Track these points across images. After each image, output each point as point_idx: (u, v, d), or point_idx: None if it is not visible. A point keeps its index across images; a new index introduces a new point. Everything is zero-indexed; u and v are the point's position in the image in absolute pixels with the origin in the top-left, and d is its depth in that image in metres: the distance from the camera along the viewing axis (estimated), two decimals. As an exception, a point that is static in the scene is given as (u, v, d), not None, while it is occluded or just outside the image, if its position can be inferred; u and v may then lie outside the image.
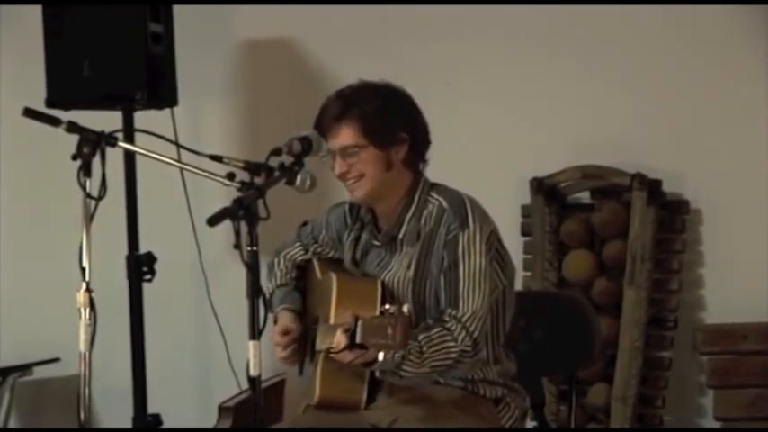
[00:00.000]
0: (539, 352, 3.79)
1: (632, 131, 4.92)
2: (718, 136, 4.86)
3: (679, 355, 4.84)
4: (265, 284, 3.56)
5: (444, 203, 3.30)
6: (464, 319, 3.20)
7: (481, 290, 3.22)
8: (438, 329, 3.19)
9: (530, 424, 3.64)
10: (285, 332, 3.44)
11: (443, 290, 3.24)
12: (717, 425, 4.79)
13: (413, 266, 3.31)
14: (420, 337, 3.14)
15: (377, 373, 3.21)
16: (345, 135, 3.29)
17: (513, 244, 4.57)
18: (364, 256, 3.43)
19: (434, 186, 3.38)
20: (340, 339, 3.02)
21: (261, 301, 3.00)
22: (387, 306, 2.96)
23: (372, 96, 3.30)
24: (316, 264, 3.55)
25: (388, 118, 3.30)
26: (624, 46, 4.93)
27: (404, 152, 3.33)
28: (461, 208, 3.28)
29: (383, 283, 3.32)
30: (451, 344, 3.18)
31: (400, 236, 3.35)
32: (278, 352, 3.46)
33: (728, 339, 4.75)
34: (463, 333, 3.18)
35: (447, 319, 3.21)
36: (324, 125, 3.30)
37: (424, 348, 3.14)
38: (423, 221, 3.32)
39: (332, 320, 3.25)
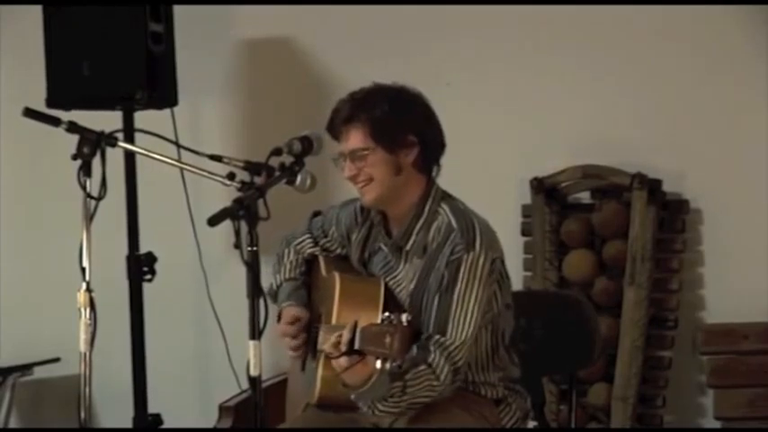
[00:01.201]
0: (539, 352, 3.78)
1: (632, 131, 4.92)
2: (718, 136, 4.86)
3: (679, 354, 4.84)
4: (272, 275, 3.55)
5: (454, 222, 3.25)
6: (451, 348, 3.15)
7: (473, 318, 3.18)
8: (423, 368, 3.13)
9: (530, 424, 3.64)
10: (294, 320, 3.43)
11: (434, 310, 3.20)
12: (717, 424, 4.78)
13: (414, 281, 3.29)
14: (407, 377, 3.09)
15: (352, 396, 3.13)
16: (354, 138, 3.27)
17: (514, 244, 4.59)
18: (372, 256, 3.43)
19: (446, 198, 3.34)
20: (336, 345, 3.02)
21: (261, 300, 3.00)
22: (387, 313, 2.95)
23: (382, 99, 3.28)
24: (321, 260, 3.54)
25: (397, 121, 3.27)
26: (624, 46, 4.93)
27: (413, 156, 3.30)
28: (470, 231, 3.23)
29: (386, 285, 3.31)
30: (435, 383, 3.14)
31: (407, 247, 3.33)
32: (287, 342, 3.43)
33: (729, 339, 4.75)
34: (446, 367, 3.14)
35: (432, 348, 3.15)
36: (335, 127, 3.30)
37: (408, 389, 3.10)
38: (431, 236, 3.29)
39: (334, 320, 3.25)
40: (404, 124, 3.28)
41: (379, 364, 2.93)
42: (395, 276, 3.34)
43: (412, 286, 3.29)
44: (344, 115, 3.27)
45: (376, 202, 3.35)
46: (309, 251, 3.59)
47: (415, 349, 3.16)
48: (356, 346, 2.97)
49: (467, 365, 3.23)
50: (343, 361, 3.03)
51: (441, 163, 3.36)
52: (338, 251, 3.56)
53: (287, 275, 3.58)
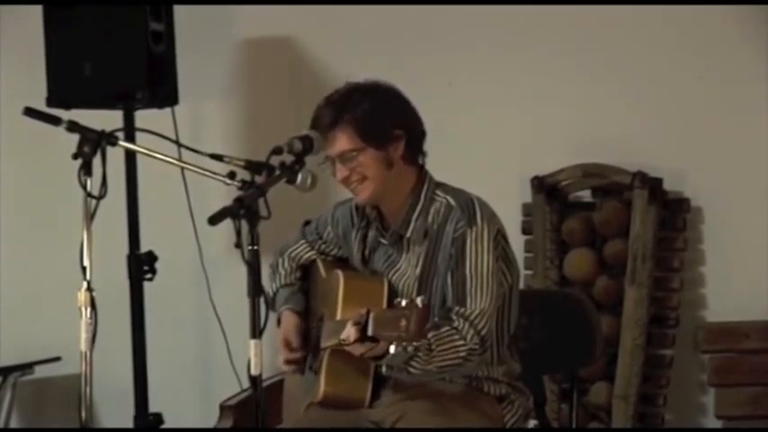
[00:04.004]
0: (540, 350, 3.78)
1: (633, 130, 4.92)
2: (719, 134, 4.86)
3: (680, 353, 4.84)
4: (268, 285, 3.56)
5: (452, 201, 3.31)
6: (472, 317, 3.20)
7: (489, 288, 3.23)
8: (447, 328, 3.19)
9: (531, 423, 3.64)
10: (286, 344, 3.46)
11: (450, 288, 3.25)
12: (718, 423, 4.78)
13: (420, 264, 3.32)
14: (429, 336, 3.14)
15: (383, 369, 3.20)
16: (341, 141, 3.29)
17: (515, 243, 4.53)
18: (372, 253, 3.44)
19: (440, 185, 3.39)
20: (351, 332, 3.01)
21: (262, 299, 3.01)
22: (399, 299, 2.95)
23: (361, 98, 3.30)
24: (320, 263, 3.56)
25: (381, 117, 3.30)
26: (624, 45, 4.93)
27: (402, 148, 3.33)
28: (469, 206, 3.29)
29: (389, 281, 3.33)
30: (460, 342, 3.18)
31: (408, 234, 3.35)
32: (282, 362, 3.46)
33: (730, 338, 4.75)
34: (471, 331, 3.19)
35: (454, 317, 3.21)
36: (318, 133, 3.30)
37: (434, 346, 3.14)
38: (430, 219, 3.33)
39: (338, 318, 3.25)
40: (387, 119, 3.31)
41: (392, 348, 2.93)
42: (398, 268, 3.36)
43: (418, 270, 3.31)
44: (327, 120, 3.29)
45: (371, 200, 3.36)
46: (306, 256, 3.60)
47: (437, 319, 3.21)
48: (370, 333, 2.96)
49: (491, 337, 3.25)
50: (360, 347, 3.03)
51: (425, 150, 3.39)
52: (335, 252, 3.57)
53: (282, 282, 3.60)
